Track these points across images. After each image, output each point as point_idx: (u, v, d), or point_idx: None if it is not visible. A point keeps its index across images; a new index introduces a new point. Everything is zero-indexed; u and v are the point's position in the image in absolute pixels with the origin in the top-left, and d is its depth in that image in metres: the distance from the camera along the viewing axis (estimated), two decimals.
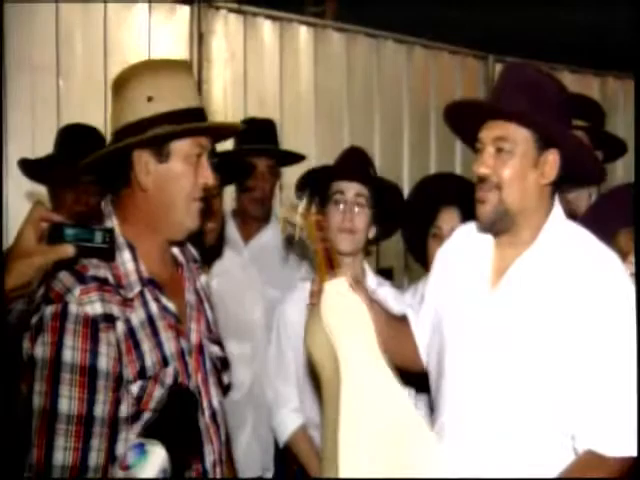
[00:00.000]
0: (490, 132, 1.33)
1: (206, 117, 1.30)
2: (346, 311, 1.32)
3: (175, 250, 1.37)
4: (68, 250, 1.09)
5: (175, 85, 1.25)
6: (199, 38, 2.93)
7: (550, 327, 1.27)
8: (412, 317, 1.58)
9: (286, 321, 1.94)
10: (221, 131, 1.41)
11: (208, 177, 1.27)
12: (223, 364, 1.42)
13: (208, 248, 1.81)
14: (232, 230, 2.32)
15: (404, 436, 1.23)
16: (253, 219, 2.34)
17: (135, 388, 1.18)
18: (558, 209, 1.37)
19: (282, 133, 2.72)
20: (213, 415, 1.32)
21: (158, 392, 1.20)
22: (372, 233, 1.90)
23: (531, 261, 1.33)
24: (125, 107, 1.25)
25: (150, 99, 1.22)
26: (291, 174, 2.46)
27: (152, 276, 1.26)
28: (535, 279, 1.32)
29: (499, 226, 1.35)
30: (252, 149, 2.27)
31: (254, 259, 2.29)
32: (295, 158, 2.42)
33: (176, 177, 1.24)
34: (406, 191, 2.79)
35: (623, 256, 1.36)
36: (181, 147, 1.24)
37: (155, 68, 1.28)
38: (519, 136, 1.30)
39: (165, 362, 1.23)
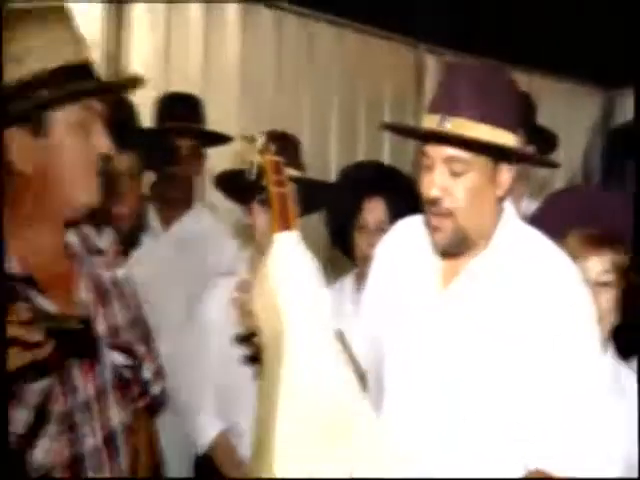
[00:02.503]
0: (440, 150, 1.18)
1: (92, 73, 1.09)
2: (295, 269, 1.19)
3: (73, 240, 1.17)
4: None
5: (49, 39, 1.03)
6: (117, 5, 2.72)
7: (503, 336, 1.19)
8: (350, 329, 1.44)
9: (205, 321, 1.81)
10: (113, 89, 1.19)
11: (103, 145, 1.09)
12: (136, 373, 1.26)
13: (122, 236, 1.66)
14: (151, 216, 2.15)
15: (346, 421, 1.12)
16: (174, 204, 2.19)
17: None
18: (510, 208, 1.29)
19: (206, 111, 2.58)
20: (110, 437, 1.14)
21: (19, 413, 1.00)
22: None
23: (484, 265, 1.25)
24: None
25: (18, 60, 1.01)
26: (215, 156, 2.33)
27: (28, 272, 1.06)
28: (488, 284, 1.23)
29: (458, 250, 1.25)
30: (175, 128, 2.11)
31: (174, 248, 2.13)
32: (220, 139, 2.27)
33: (60, 152, 1.05)
34: (333, 177, 2.74)
35: (574, 260, 1.30)
36: (64, 115, 1.04)
37: (24, 20, 1.04)
38: (472, 156, 1.17)
39: None
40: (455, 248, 1.23)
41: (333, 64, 3.36)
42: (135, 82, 1.20)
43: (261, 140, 1.30)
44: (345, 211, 1.89)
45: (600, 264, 1.43)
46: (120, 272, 1.27)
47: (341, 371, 1.17)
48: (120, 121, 1.25)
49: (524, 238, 1.27)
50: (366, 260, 1.69)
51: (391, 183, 1.89)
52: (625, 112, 3.81)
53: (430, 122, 1.19)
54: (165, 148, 1.98)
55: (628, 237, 1.46)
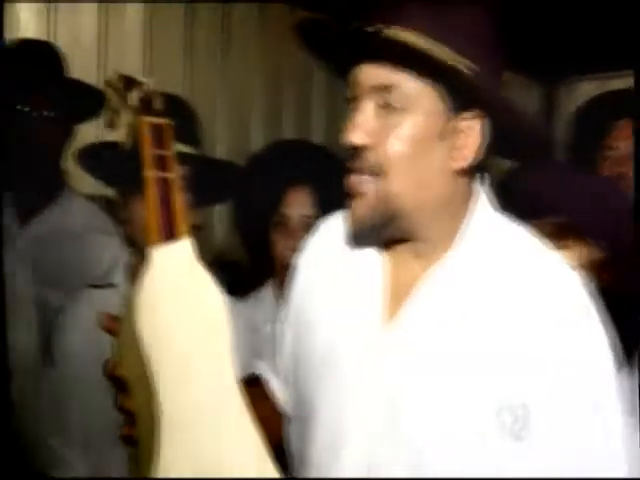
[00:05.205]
0: (370, 76, 0.83)
1: None
2: (185, 301, 0.76)
3: None
4: None
5: None
6: None
7: (479, 378, 0.82)
8: (268, 375, 1.06)
9: (65, 351, 1.35)
10: None
11: None
12: None
13: None
14: (5, 212, 1.62)
15: None
16: (35, 191, 1.65)
17: None
18: (482, 198, 0.90)
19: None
20: None
21: None
22: (197, 219, 1.35)
23: (445, 279, 0.86)
24: None
25: None
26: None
27: None
28: (452, 305, 0.85)
29: (384, 233, 0.86)
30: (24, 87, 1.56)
31: (31, 250, 1.61)
32: (91, 109, 1.64)
33: None
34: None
35: None
36: None
37: None
38: (417, 87, 0.81)
39: None
40: (382, 229, 0.85)
41: (254, 35, 2.93)
42: None
43: (138, 92, 0.81)
44: (259, 203, 1.46)
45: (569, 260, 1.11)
46: None
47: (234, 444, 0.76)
48: None
49: (506, 237, 0.88)
50: (286, 268, 1.29)
51: (319, 167, 1.48)
52: (568, 107, 3.62)
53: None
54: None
55: (603, 229, 1.17)
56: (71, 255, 1.61)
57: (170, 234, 0.77)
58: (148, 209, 0.77)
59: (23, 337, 1.45)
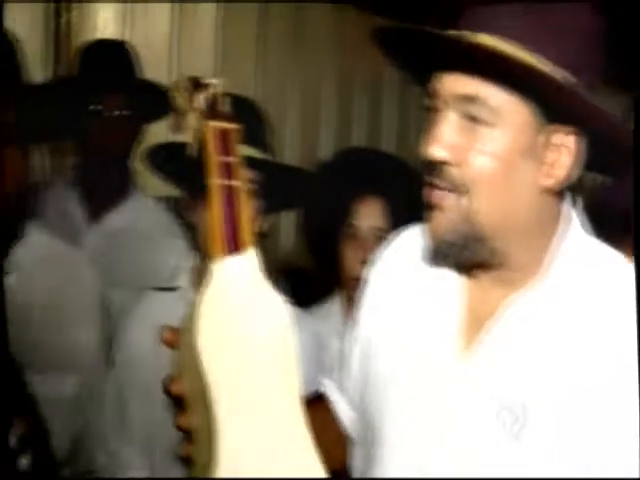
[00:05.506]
0: (453, 85, 0.76)
1: None
2: (249, 317, 0.72)
3: None
4: None
5: None
6: None
7: (568, 416, 0.76)
8: (334, 395, 1.01)
9: (129, 347, 1.34)
10: None
11: None
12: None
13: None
14: (72, 205, 1.64)
15: None
16: (104, 190, 1.67)
17: None
18: (573, 220, 0.83)
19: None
20: None
21: None
22: (264, 226, 1.30)
23: (530, 307, 0.80)
24: None
25: None
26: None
27: None
28: (534, 335, 0.79)
29: (465, 255, 0.79)
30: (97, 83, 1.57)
31: (105, 247, 1.62)
32: (163, 108, 1.71)
33: None
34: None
35: None
36: None
37: None
38: (505, 98, 0.74)
39: None
40: (462, 250, 0.78)
41: (326, 39, 2.89)
42: None
43: (204, 93, 0.78)
44: (329, 213, 1.41)
45: None
46: None
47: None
48: None
49: (592, 265, 0.81)
50: (355, 281, 1.24)
51: (392, 177, 1.41)
52: None
53: None
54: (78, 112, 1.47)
55: None
56: (136, 256, 1.62)
57: (235, 246, 0.73)
58: (212, 219, 0.74)
59: (88, 335, 1.45)
